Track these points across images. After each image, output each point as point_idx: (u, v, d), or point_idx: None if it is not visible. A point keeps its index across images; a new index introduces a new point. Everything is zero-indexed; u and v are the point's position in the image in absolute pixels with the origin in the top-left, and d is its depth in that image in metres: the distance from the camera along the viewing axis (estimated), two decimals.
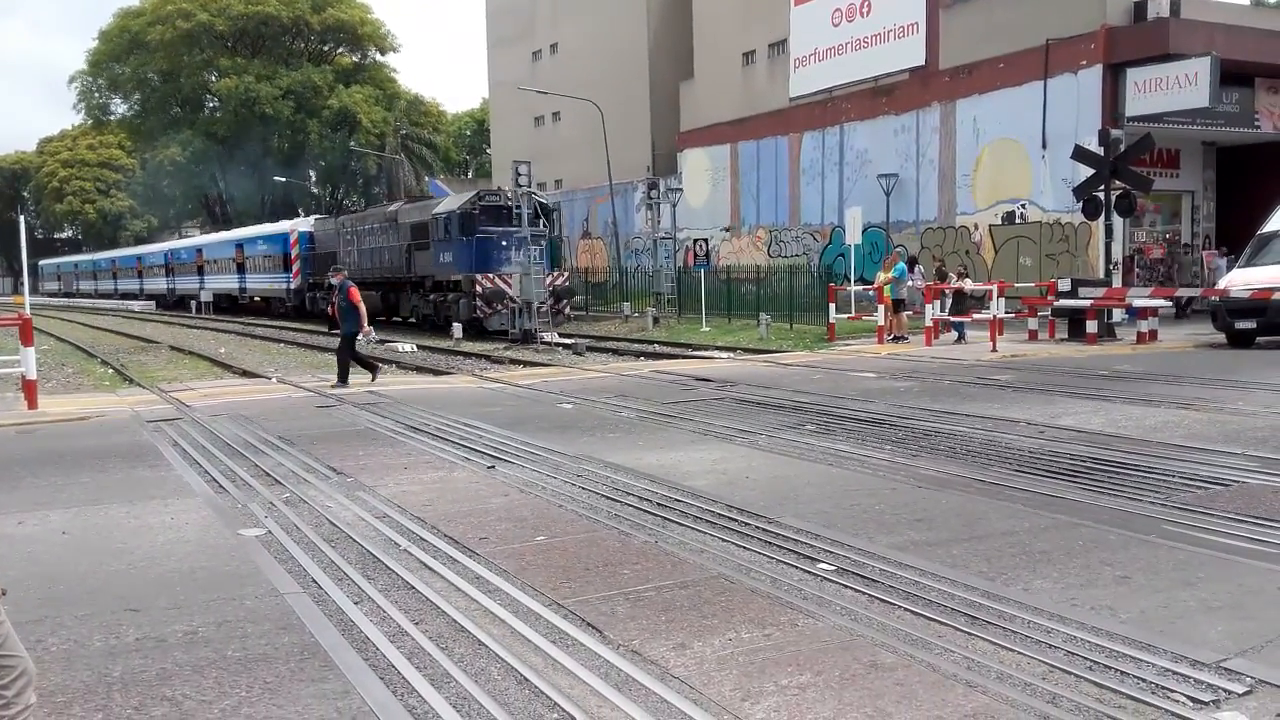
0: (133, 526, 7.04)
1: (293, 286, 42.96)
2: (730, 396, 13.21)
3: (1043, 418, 10.60)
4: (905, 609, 4.97)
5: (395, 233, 33.99)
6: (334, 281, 16.51)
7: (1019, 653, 4.41)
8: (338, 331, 16.26)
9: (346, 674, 4.33)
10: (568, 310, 31.14)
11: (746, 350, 21.06)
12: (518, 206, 27.69)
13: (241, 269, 49.92)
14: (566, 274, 32.32)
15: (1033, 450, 8.94)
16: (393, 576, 5.71)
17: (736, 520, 6.73)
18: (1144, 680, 4.11)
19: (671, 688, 4.11)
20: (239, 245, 50.16)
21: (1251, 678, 4.08)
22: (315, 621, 4.99)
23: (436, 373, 19.35)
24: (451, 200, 31.66)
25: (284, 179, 66.17)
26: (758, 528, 6.53)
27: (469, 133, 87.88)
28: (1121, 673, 4.18)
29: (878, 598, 5.14)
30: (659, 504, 7.24)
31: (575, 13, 47.77)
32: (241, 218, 67.87)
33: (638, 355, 21.36)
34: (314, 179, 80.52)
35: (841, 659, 4.38)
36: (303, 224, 44.38)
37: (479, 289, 28.50)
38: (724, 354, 20.70)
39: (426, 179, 63.00)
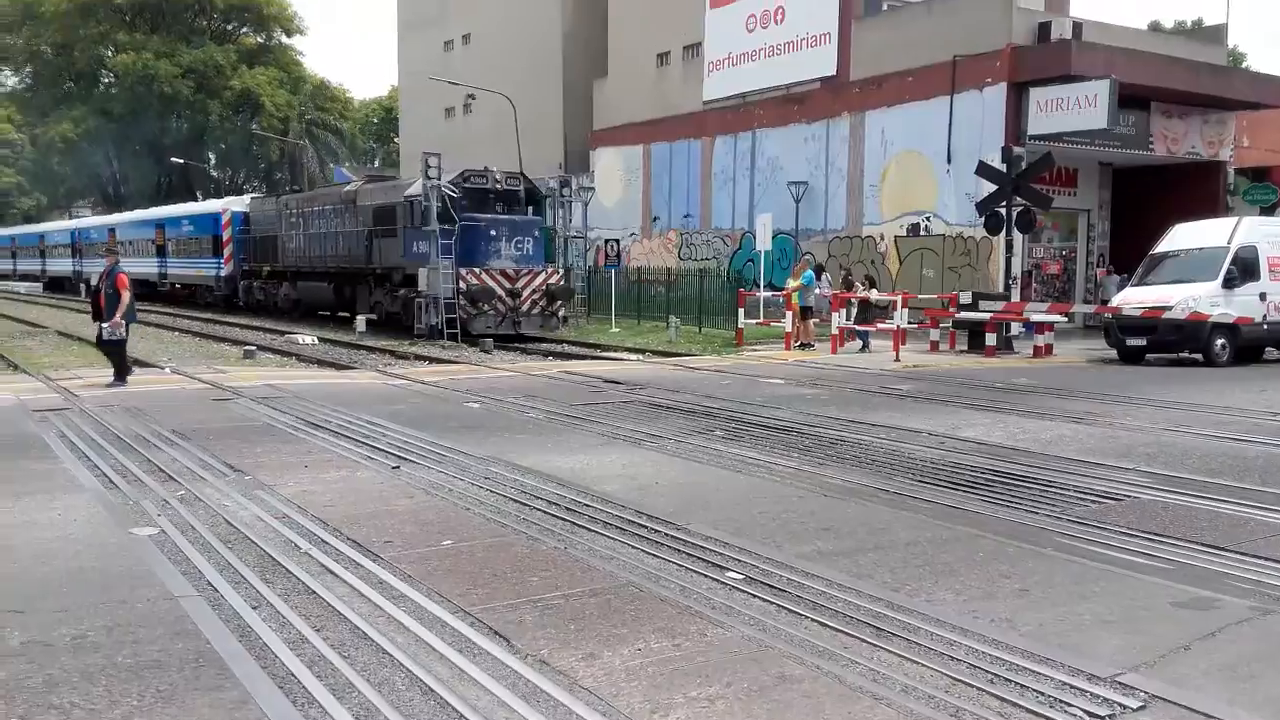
0: (17, 523, 6.72)
1: (223, 274, 38.13)
2: (640, 400, 13.21)
3: (944, 429, 10.83)
4: (813, 619, 5.00)
5: (353, 216, 29.17)
6: (106, 265, 14.52)
7: (923, 665, 4.47)
8: (103, 322, 14.10)
9: (244, 683, 4.18)
10: (562, 313, 26.34)
11: (656, 353, 21.11)
12: (507, 190, 25.19)
13: (162, 252, 44.32)
14: (561, 271, 27.15)
15: (935, 461, 9.13)
16: (293, 580, 5.55)
17: (646, 527, 6.72)
18: (1043, 694, 4.19)
19: (580, 699, 4.07)
20: (159, 225, 44.77)
21: (1145, 692, 4.19)
22: (211, 627, 4.81)
23: (339, 367, 18.96)
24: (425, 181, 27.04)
25: (182, 160, 64.10)
26: (667, 535, 6.52)
27: (377, 120, 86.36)
28: (1022, 686, 4.26)
29: (786, 608, 5.17)
30: (568, 509, 7.19)
31: (488, 3, 47.31)
32: (137, 199, 65.50)
33: (546, 355, 21.25)
34: (213, 162, 78.22)
35: (750, 670, 4.38)
36: (236, 203, 39.32)
37: (463, 285, 24.27)
38: (633, 356, 20.74)
39: (332, 166, 61.71)
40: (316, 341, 24.50)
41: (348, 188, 30.85)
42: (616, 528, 6.69)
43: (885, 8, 31.11)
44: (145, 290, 45.49)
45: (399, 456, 9.05)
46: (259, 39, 76.03)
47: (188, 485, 7.83)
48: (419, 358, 20.08)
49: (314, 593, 5.34)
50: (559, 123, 43.40)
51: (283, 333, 26.24)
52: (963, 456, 9.35)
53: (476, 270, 24.44)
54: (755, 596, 5.34)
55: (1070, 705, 4.08)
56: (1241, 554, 6.14)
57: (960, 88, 26.34)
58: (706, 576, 5.67)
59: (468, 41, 49.42)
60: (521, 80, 42.77)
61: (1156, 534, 6.62)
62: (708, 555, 6.07)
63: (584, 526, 6.72)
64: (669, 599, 5.28)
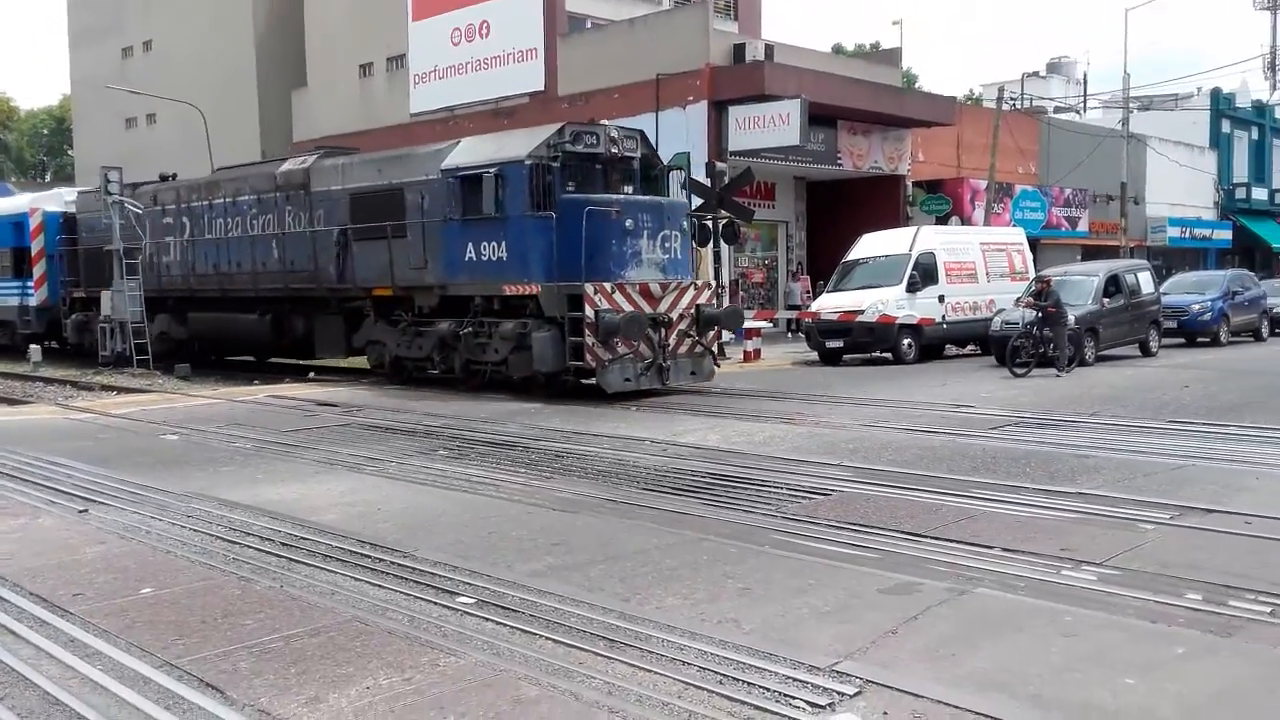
0: None
1: (32, 303, 25.72)
2: (357, 422, 12.73)
3: (665, 435, 11.12)
4: (547, 638, 4.96)
5: (306, 209, 18.02)
6: None
7: (656, 673, 4.53)
8: None
9: None
10: (716, 346, 16.25)
11: (372, 371, 20.34)
12: (624, 156, 15.62)
13: None
14: (714, 285, 18.01)
15: (659, 468, 9.35)
16: None
17: (369, 556, 6.45)
18: (768, 689, 4.34)
19: None
20: None
21: (860, 679, 4.43)
22: None
23: (10, 402, 17.05)
24: (490, 142, 16.55)
25: None
26: (393, 563, 6.29)
27: (47, 132, 78.77)
28: (748, 684, 4.40)
29: (519, 628, 5.10)
30: (283, 544, 6.79)
31: (170, 9, 44.35)
32: None
33: (251, 379, 19.83)
34: None
35: (485, 696, 4.29)
36: (50, 200, 26.45)
37: (590, 311, 14.12)
38: (347, 377, 19.88)
39: None
40: None
41: (285, 167, 18.91)
42: (337, 560, 6.38)
43: (589, 25, 31.78)
44: None
45: (86, 499, 8.24)
46: None
47: None
48: (106, 388, 18.34)
49: None
50: (255, 133, 41.25)
51: None
52: (684, 462, 9.63)
53: (607, 286, 14.28)
54: (488, 620, 5.23)
55: (794, 698, 4.25)
56: (937, 539, 6.66)
57: (665, 105, 27.26)
58: (436, 604, 5.50)
59: (149, 48, 46.07)
60: (212, 89, 40.38)
61: (862, 525, 7.07)
62: (436, 581, 5.90)
63: (301, 562, 6.36)
64: (397, 631, 5.08)
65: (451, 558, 6.35)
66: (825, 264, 26.35)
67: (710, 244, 21.80)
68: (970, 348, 21.73)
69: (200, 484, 8.80)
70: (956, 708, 4.11)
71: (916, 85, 53.64)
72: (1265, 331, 25.38)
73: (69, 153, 64.38)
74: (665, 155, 26.99)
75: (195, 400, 15.63)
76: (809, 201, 31.06)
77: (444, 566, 6.17)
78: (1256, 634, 4.95)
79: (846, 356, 20.59)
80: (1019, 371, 16.76)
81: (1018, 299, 18.95)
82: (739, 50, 26.92)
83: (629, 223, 14.72)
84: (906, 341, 20.25)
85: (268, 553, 6.59)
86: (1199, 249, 44.59)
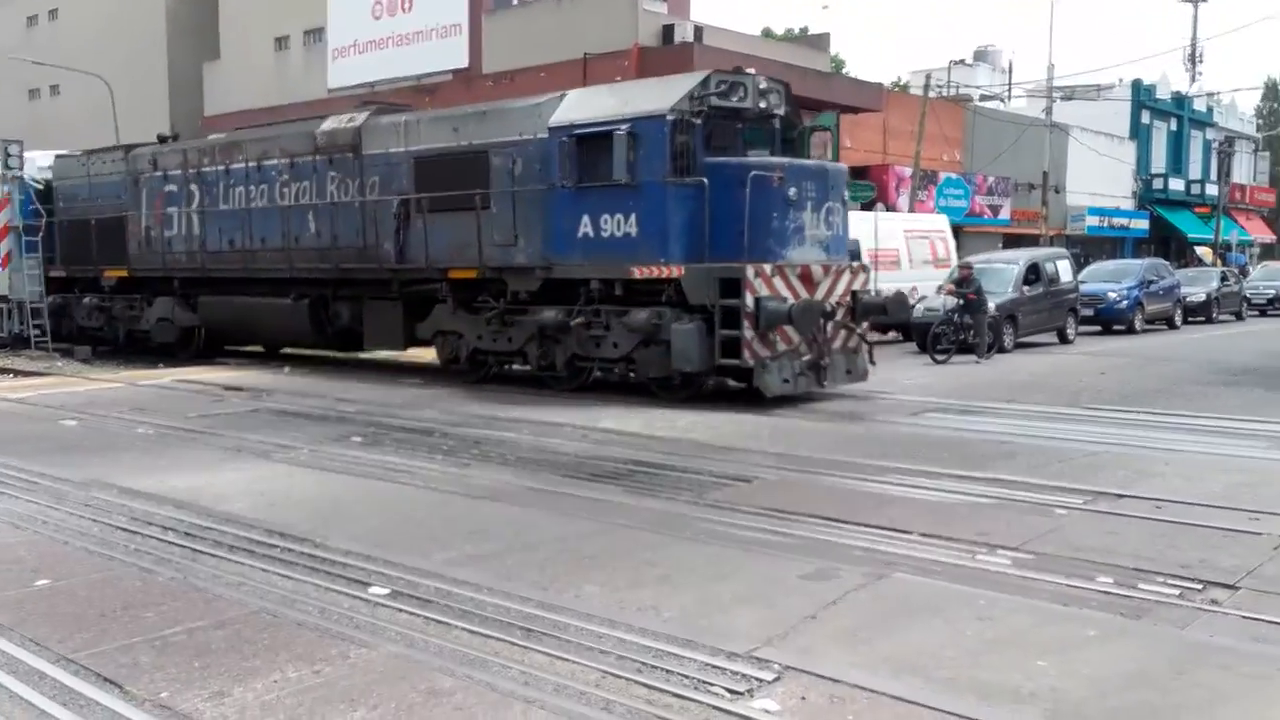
0: None
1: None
2: (267, 407, 12.40)
3: (585, 420, 11.02)
4: (462, 628, 4.86)
5: (355, 175, 15.21)
6: None
7: (573, 661, 4.47)
8: None
9: None
10: (870, 338, 13.92)
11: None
12: (768, 113, 13.20)
13: None
14: (862, 265, 13.98)
15: (579, 454, 9.26)
16: None
17: (279, 546, 6.26)
18: (687, 677, 4.31)
19: None
20: None
21: (779, 664, 4.41)
22: None
23: None
24: (609, 95, 13.68)
25: None
26: (303, 553, 6.11)
27: None
28: (667, 671, 4.36)
29: (434, 619, 4.99)
30: (187, 534, 6.56)
31: None
32: None
33: (156, 361, 18.97)
34: None
35: (398, 689, 4.19)
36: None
37: (749, 299, 11.68)
38: (256, 362, 19.33)
39: None
40: None
41: (327, 126, 15.88)
42: (244, 550, 6.18)
43: (515, 2, 31.41)
44: None
45: None
46: None
47: None
48: (1, 370, 17.57)
49: None
50: (165, 107, 40.05)
51: None
52: (605, 448, 9.55)
53: (767, 268, 11.89)
54: (402, 610, 5.11)
55: (712, 685, 4.23)
56: (856, 524, 6.68)
57: (592, 84, 27.04)
58: (348, 594, 5.36)
59: (55, 17, 44.49)
60: (121, 60, 39.10)
61: (783, 511, 7.06)
62: (348, 572, 5.74)
63: (206, 552, 6.15)
64: (307, 623, 4.93)
65: (365, 547, 6.19)
66: None
67: None
68: (892, 334, 22.01)
69: (100, 471, 8.47)
70: (873, 691, 4.13)
71: (844, 71, 54.17)
72: (1178, 320, 26.14)
73: None
74: None
75: (96, 384, 15.08)
76: None
77: (357, 556, 6.01)
78: (1165, 616, 5.05)
79: None
80: (939, 358, 17.02)
81: (939, 286, 19.20)
82: (668, 31, 26.84)
83: (792, 192, 12.20)
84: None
85: (171, 543, 6.37)
86: (1117, 238, 45.88)
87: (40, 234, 18.79)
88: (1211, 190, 49.59)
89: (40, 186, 19.26)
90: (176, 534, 6.56)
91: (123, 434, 10.57)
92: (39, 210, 19.77)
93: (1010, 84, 48.51)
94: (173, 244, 18.05)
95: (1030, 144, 38.13)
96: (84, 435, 10.53)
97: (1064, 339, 21.22)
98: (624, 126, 12.02)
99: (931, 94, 33.50)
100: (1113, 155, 44.99)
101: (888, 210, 30.31)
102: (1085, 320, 22.86)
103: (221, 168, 17.23)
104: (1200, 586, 5.42)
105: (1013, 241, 35.58)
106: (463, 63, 30.45)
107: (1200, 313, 27.79)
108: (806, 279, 12.15)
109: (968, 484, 7.83)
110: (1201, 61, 55.94)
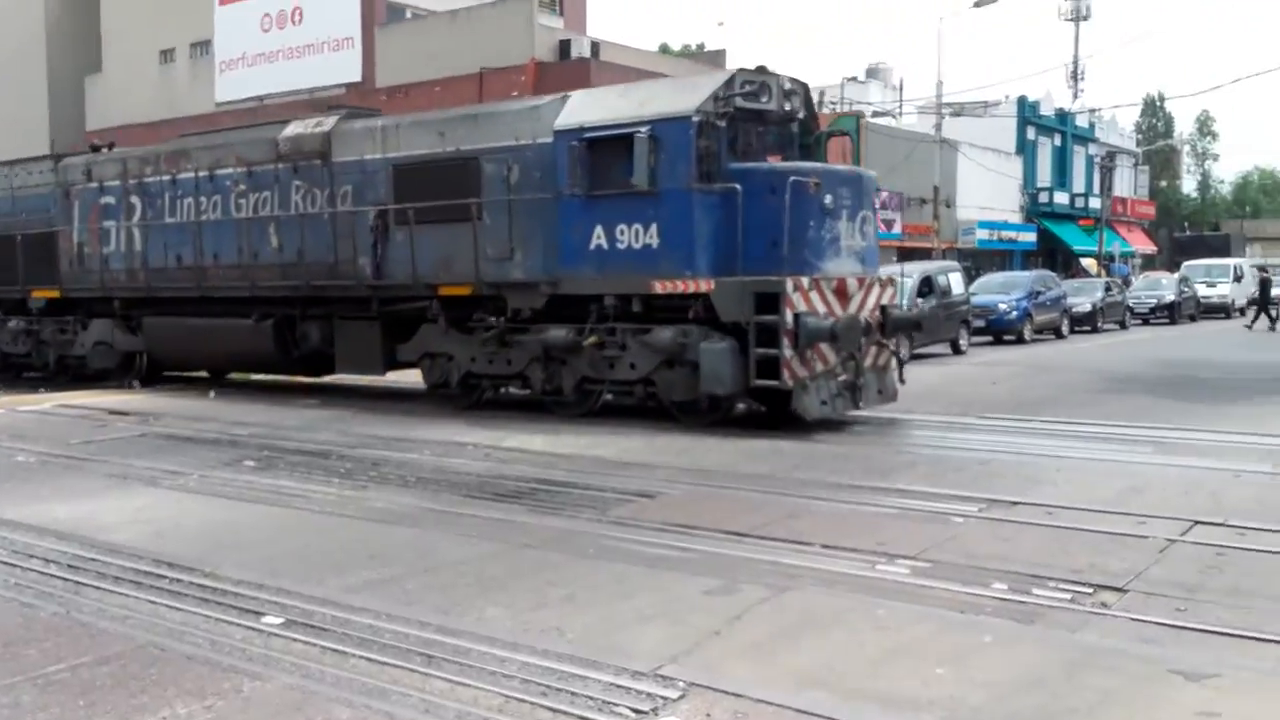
0: None
1: None
2: (155, 432, 11.97)
3: (489, 439, 10.88)
4: (360, 656, 4.75)
5: (324, 185, 13.97)
6: None
7: (476, 687, 4.39)
8: None
9: None
10: (902, 354, 13.02)
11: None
12: (787, 114, 12.32)
13: None
14: (890, 278, 12.93)
15: (482, 474, 9.13)
16: None
17: (167, 577, 6.04)
18: (592, 698, 4.27)
19: None
20: None
21: (684, 682, 4.40)
22: None
23: None
24: (620, 96, 12.50)
25: None
26: (193, 584, 5.91)
27: None
28: (572, 693, 4.32)
29: (331, 648, 4.87)
30: (70, 566, 6.29)
31: None
32: None
33: (37, 385, 18.13)
34: None
35: None
36: None
37: (789, 315, 10.74)
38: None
39: None
40: None
41: (290, 131, 14.55)
42: (130, 582, 5.95)
43: (409, 16, 31.12)
44: None
45: None
46: None
47: None
48: None
49: None
50: (44, 120, 38.65)
51: None
52: (509, 466, 9.44)
53: (804, 282, 10.99)
54: (297, 640, 4.97)
55: (617, 705, 4.20)
56: (760, 538, 6.72)
57: (488, 99, 26.93)
58: (240, 625, 5.19)
59: None
60: None
61: (687, 527, 7.06)
62: (241, 601, 5.56)
63: (90, 585, 5.91)
64: (197, 656, 4.77)
65: (258, 575, 6.01)
66: None
67: None
68: None
69: None
70: (778, 705, 4.15)
71: None
72: (1065, 329, 27.04)
73: None
74: None
75: None
76: None
77: (249, 585, 5.83)
78: (1057, 620, 5.18)
79: None
80: None
81: None
82: (565, 46, 26.91)
83: (828, 199, 11.32)
84: None
85: (52, 575, 6.10)
86: (1006, 250, 47.27)
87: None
88: (1095, 203, 51.48)
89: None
90: (59, 566, 6.30)
91: (1, 462, 10.10)
92: None
93: (901, 101, 49.77)
94: (111, 261, 16.52)
95: (921, 159, 39.11)
96: None
97: (957, 350, 21.74)
98: (644, 129, 11.06)
99: (825, 110, 34.14)
100: (1000, 170, 46.42)
101: None
102: (977, 331, 23.45)
103: (167, 178, 15.80)
104: (1091, 590, 5.58)
105: (906, 255, 36.38)
106: (356, 76, 30.06)
107: (1086, 322, 28.76)
108: (841, 293, 11.31)
109: (869, 495, 7.95)
110: (1083, 79, 58.55)
